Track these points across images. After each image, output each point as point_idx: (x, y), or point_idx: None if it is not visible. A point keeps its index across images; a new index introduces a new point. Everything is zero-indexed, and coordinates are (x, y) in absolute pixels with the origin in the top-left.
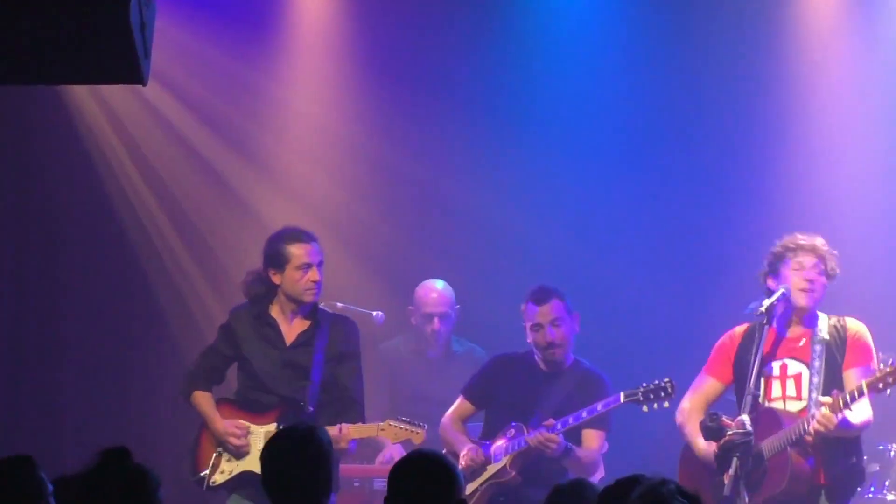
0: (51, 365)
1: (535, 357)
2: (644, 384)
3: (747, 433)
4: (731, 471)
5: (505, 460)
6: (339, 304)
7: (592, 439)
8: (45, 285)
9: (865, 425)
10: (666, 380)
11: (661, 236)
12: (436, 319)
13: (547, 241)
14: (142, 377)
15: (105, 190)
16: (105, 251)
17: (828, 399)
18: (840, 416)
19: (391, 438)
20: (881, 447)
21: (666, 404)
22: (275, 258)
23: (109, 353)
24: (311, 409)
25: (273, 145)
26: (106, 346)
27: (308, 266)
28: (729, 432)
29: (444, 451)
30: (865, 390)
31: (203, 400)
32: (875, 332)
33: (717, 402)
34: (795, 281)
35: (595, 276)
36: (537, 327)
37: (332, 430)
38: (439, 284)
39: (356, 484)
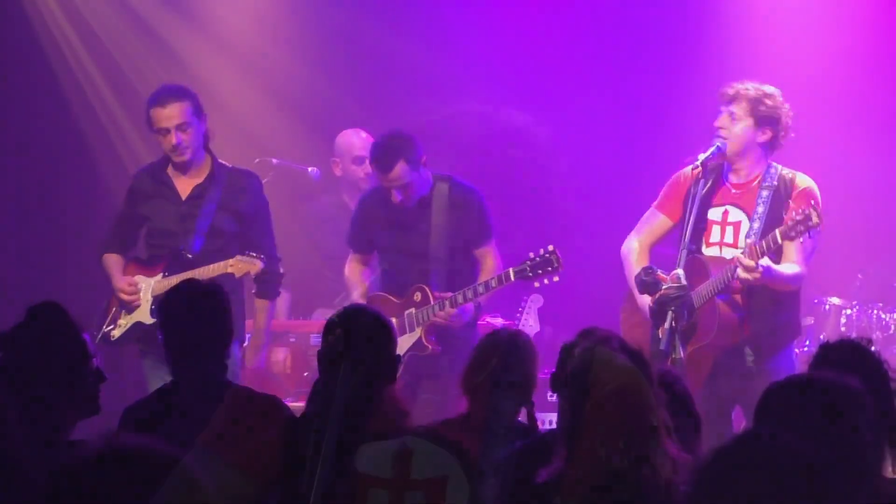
0: None
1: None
2: (531, 255)
3: (682, 287)
4: (667, 325)
5: (419, 331)
6: (275, 161)
7: (487, 256)
8: None
9: (794, 278)
10: (550, 248)
11: (616, 81)
12: (367, 162)
13: (477, 89)
14: (75, 234)
15: (37, 39)
16: (38, 104)
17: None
18: (761, 264)
19: (236, 273)
20: (816, 301)
21: (556, 278)
22: (146, 120)
23: (41, 204)
24: (190, 256)
25: None
26: (42, 200)
27: (166, 131)
28: (664, 286)
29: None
30: (780, 239)
31: (109, 261)
32: (820, 182)
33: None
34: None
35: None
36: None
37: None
38: (363, 133)
39: (292, 339)
